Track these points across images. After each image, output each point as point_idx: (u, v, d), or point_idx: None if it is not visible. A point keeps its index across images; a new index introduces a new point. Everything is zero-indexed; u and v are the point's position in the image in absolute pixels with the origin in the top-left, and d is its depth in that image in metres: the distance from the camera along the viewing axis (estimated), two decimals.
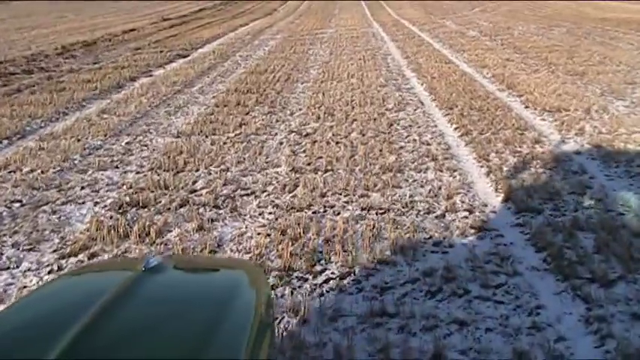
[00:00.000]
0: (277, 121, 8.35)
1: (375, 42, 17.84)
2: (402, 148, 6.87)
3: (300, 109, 9.01)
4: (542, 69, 12.04)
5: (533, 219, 4.82)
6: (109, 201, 5.56)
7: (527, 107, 8.74)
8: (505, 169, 6.07)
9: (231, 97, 9.99)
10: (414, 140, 7.15)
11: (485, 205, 5.17)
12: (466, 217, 4.91)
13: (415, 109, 8.80)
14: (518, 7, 30.24)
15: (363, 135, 7.40)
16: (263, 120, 8.38)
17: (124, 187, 5.92)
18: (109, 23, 28.68)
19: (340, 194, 5.48)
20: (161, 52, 16.71)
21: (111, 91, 11.13)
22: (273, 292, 3.77)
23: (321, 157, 6.56)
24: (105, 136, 7.85)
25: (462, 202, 5.24)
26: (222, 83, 11.63)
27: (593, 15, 24.56)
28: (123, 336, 1.68)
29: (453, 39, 17.84)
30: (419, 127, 7.79)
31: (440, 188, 5.55)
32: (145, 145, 7.36)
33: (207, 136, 7.61)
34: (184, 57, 15.74)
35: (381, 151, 6.72)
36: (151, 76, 12.77)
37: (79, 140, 7.67)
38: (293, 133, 7.63)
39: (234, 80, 11.82)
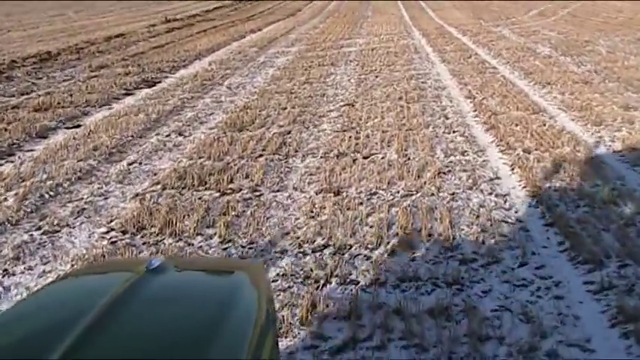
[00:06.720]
0: None
1: (419, 63, 13.14)
2: None
3: (281, 258, 4.34)
4: None
5: None
6: None
7: None
8: None
9: (165, 200, 5.36)
10: None
11: None
12: None
13: (519, 263, 4.13)
14: (581, 12, 24.99)
15: None
16: None
17: None
18: (100, 25, 24.42)
19: None
20: (127, 74, 12.24)
21: None
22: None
23: None
24: None
25: None
26: (172, 152, 7.02)
27: None
28: (125, 337, 1.61)
29: (523, 60, 13.04)
30: (562, 335, 3.17)
31: None
32: None
33: None
34: (152, 85, 11.22)
35: None
36: (78, 126, 8.27)
37: None
38: None
39: (195, 146, 7.17)
